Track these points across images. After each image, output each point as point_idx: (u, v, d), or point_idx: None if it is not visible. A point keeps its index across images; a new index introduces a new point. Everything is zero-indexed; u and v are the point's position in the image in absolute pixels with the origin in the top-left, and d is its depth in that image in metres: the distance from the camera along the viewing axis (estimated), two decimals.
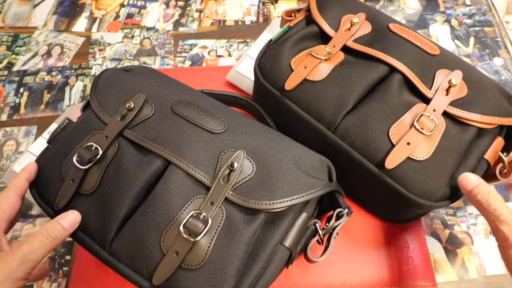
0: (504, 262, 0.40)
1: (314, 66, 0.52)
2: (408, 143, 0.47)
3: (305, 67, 0.52)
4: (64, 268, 0.58)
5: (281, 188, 0.42)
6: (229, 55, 0.79)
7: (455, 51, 0.78)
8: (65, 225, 0.41)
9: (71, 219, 0.42)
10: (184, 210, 0.41)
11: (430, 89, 0.50)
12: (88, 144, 0.45)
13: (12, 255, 0.38)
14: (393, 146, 0.48)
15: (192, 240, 0.39)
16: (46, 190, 0.46)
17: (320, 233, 0.45)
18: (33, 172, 0.47)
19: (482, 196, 0.42)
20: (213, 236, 0.40)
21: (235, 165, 0.42)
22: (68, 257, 0.59)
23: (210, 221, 0.40)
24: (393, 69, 0.52)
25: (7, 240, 0.43)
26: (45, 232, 0.40)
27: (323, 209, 0.50)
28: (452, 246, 0.59)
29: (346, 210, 0.46)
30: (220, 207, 0.41)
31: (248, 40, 0.81)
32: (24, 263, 0.38)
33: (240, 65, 0.72)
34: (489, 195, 0.42)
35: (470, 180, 0.44)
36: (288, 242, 0.42)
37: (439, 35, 0.81)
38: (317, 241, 0.46)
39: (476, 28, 0.81)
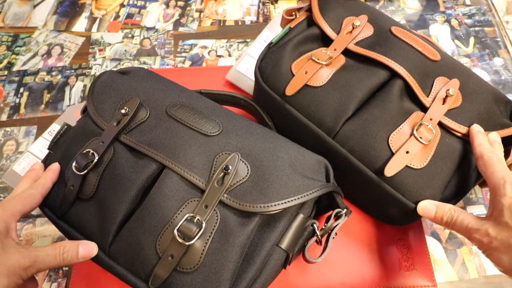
0: (493, 263, 0.41)
1: (315, 71, 0.52)
2: (407, 152, 0.47)
3: (306, 73, 0.52)
4: (64, 268, 0.58)
5: (276, 190, 0.42)
6: (229, 55, 0.79)
7: (455, 51, 0.78)
8: (81, 251, 0.41)
9: (88, 248, 0.42)
10: (178, 214, 0.41)
11: (428, 97, 0.51)
12: (86, 150, 0.45)
13: (28, 252, 0.39)
14: (392, 154, 0.48)
15: (186, 243, 0.39)
16: (49, 195, 0.47)
17: (318, 233, 0.45)
18: (58, 174, 0.47)
19: (446, 217, 0.44)
20: (208, 240, 0.40)
21: (230, 168, 0.42)
22: None
23: (204, 225, 0.40)
24: (393, 74, 0.52)
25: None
26: (63, 249, 0.40)
27: (322, 209, 0.50)
28: (452, 246, 0.59)
29: (345, 210, 0.46)
30: (214, 210, 0.41)
31: (248, 40, 0.81)
32: (32, 267, 0.39)
33: (240, 64, 0.72)
34: (450, 211, 0.44)
35: (428, 208, 0.46)
36: (284, 244, 0.42)
37: (439, 35, 0.81)
38: (316, 241, 0.46)
39: (476, 28, 0.81)
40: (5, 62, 0.80)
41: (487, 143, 0.46)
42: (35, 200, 0.44)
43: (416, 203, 0.47)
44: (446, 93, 0.50)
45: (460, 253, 0.58)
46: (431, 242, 0.59)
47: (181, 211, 0.41)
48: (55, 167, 0.47)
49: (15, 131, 0.71)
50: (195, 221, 0.40)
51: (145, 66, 0.78)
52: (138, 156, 0.45)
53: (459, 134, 0.50)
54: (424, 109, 0.50)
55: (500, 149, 0.47)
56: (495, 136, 0.49)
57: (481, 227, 0.40)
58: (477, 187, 0.61)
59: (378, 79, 0.52)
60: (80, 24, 0.85)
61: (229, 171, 0.42)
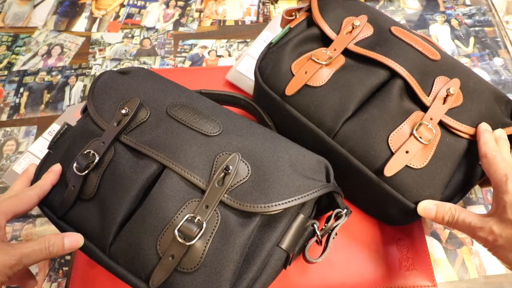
0: (500, 261, 0.41)
1: (314, 71, 0.52)
2: (406, 152, 0.47)
3: (306, 72, 0.52)
4: (64, 268, 0.58)
5: (276, 190, 0.42)
6: (229, 55, 0.79)
7: (455, 51, 0.78)
8: (67, 243, 0.42)
9: (74, 240, 0.42)
10: (179, 214, 0.41)
11: (428, 96, 0.50)
12: (87, 151, 0.45)
13: (14, 250, 0.39)
14: (392, 153, 0.48)
15: (187, 244, 0.39)
16: (50, 196, 0.47)
17: (318, 234, 0.45)
18: (58, 175, 0.47)
19: (448, 216, 0.44)
20: (208, 240, 0.40)
21: (230, 168, 0.42)
22: (68, 257, 0.59)
23: (204, 225, 0.40)
24: (393, 74, 0.52)
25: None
26: (48, 242, 0.40)
27: (322, 209, 0.50)
28: (452, 246, 0.59)
29: (345, 210, 0.46)
30: (215, 210, 0.41)
31: (248, 40, 0.81)
32: (19, 264, 0.38)
33: (240, 64, 0.72)
34: (451, 210, 0.43)
35: (428, 208, 0.46)
36: (284, 244, 0.42)
37: (439, 35, 0.81)
38: (316, 241, 0.46)
39: (476, 28, 0.81)
40: (5, 62, 0.80)
41: (493, 142, 0.46)
42: (31, 201, 0.44)
43: (416, 203, 0.47)
44: (446, 92, 0.50)
45: (460, 253, 0.58)
46: (431, 242, 0.59)
47: (181, 211, 0.41)
48: (57, 168, 0.47)
49: (15, 131, 0.71)
50: (195, 221, 0.40)
51: (145, 66, 0.78)
52: (138, 156, 0.45)
53: (460, 133, 0.50)
54: (425, 108, 0.50)
55: (506, 145, 0.47)
56: (501, 133, 0.48)
57: (485, 225, 0.40)
58: (477, 187, 0.61)
59: (378, 79, 0.52)
60: (80, 24, 0.85)
61: (229, 171, 0.42)
